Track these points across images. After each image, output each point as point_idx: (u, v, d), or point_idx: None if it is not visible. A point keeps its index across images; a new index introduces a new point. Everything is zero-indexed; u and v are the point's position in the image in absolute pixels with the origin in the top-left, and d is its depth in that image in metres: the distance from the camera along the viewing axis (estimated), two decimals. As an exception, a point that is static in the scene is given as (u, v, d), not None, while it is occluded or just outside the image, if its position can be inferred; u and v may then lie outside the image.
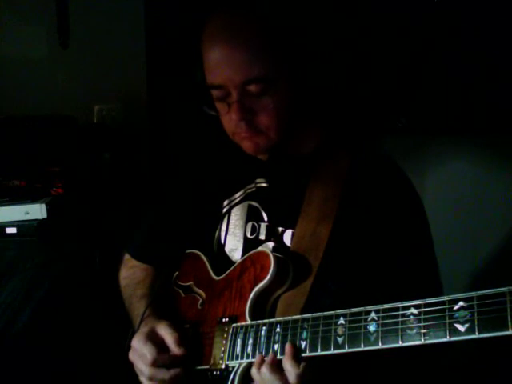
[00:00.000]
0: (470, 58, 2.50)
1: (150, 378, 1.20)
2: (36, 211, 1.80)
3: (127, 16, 2.34)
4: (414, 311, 0.91)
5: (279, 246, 1.27)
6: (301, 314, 1.09)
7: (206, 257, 1.37)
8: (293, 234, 1.26)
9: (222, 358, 1.17)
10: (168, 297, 1.41)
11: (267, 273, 1.16)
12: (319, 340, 1.01)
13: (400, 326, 0.91)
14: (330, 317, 1.01)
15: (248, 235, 1.32)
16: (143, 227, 1.52)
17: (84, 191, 2.05)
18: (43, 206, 1.80)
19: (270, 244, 1.28)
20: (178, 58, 2.40)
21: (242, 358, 1.12)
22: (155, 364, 1.19)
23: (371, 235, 1.21)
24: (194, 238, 1.41)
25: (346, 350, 0.97)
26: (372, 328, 0.95)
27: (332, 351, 0.99)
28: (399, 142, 1.35)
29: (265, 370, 1.05)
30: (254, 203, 1.34)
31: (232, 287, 1.24)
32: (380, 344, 0.93)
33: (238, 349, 1.14)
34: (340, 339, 0.98)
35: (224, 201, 1.38)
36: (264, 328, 1.11)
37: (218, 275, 1.31)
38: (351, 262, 1.21)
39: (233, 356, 1.14)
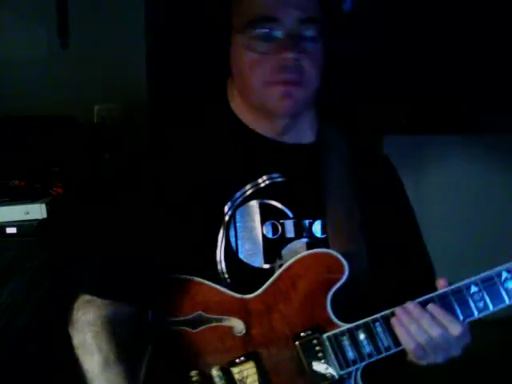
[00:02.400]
0: (470, 58, 2.50)
1: None
2: (36, 211, 1.80)
3: (127, 16, 2.34)
4: None
5: (311, 239, 1.23)
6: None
7: (201, 278, 1.18)
8: (323, 224, 1.23)
9: (329, 372, 1.11)
10: (167, 340, 1.18)
11: (342, 272, 1.13)
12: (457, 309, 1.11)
13: None
14: (459, 290, 1.11)
15: (269, 236, 1.21)
16: (111, 256, 1.21)
17: (84, 191, 2.05)
18: (43, 206, 1.80)
19: (304, 240, 1.22)
20: (178, 58, 2.41)
21: (361, 361, 1.12)
22: None
23: (384, 208, 1.28)
24: (191, 252, 1.20)
25: (492, 309, 1.11)
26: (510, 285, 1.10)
27: (476, 316, 1.11)
28: (399, 141, 1.36)
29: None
30: (267, 201, 1.23)
31: (289, 300, 1.14)
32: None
33: (351, 354, 1.11)
34: (481, 304, 1.11)
35: (226, 203, 1.21)
36: (378, 324, 1.11)
37: (230, 287, 1.16)
38: (381, 239, 1.25)
39: (347, 363, 1.12)
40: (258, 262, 1.20)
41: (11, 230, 1.78)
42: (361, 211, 1.24)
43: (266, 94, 1.17)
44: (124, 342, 1.15)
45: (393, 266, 1.25)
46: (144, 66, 2.36)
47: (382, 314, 1.12)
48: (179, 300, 1.17)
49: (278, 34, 1.14)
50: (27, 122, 2.05)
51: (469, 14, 2.46)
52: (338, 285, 1.13)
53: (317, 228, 1.23)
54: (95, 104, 2.36)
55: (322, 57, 1.19)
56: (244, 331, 1.14)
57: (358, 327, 1.11)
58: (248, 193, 1.23)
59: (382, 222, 1.27)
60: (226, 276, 1.20)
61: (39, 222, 1.79)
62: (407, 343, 1.09)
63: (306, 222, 1.23)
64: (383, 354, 1.11)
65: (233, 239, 1.20)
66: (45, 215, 1.80)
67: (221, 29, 1.22)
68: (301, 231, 1.23)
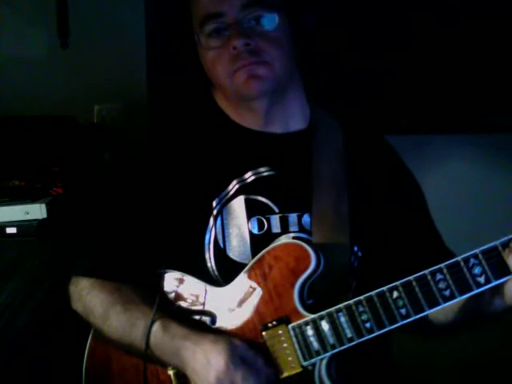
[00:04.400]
0: (470, 58, 2.50)
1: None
2: (36, 211, 1.80)
3: (127, 16, 2.34)
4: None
5: (301, 233, 1.22)
6: (349, 289, 1.16)
7: (187, 273, 1.22)
8: (311, 217, 1.21)
9: (294, 362, 1.11)
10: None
11: (308, 263, 1.12)
12: (422, 300, 1.04)
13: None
14: (423, 277, 1.04)
15: (255, 232, 1.21)
16: (116, 244, 1.27)
17: (84, 191, 2.05)
18: (43, 206, 1.80)
19: (290, 235, 1.22)
20: (178, 58, 2.41)
21: (324, 352, 1.09)
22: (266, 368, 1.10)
23: (380, 199, 1.26)
24: (181, 248, 1.23)
25: (458, 297, 1.03)
26: (477, 271, 1.02)
27: (442, 304, 1.04)
28: (399, 141, 1.35)
29: None
30: (252, 196, 1.23)
31: (260, 290, 1.15)
32: (493, 280, 1.02)
33: (315, 344, 1.09)
34: (447, 292, 1.03)
35: (213, 201, 1.23)
36: (341, 314, 1.08)
37: (220, 284, 1.20)
38: (373, 231, 1.23)
39: (310, 354, 1.10)
40: (246, 258, 1.21)
41: (11, 230, 1.78)
42: (352, 202, 1.22)
43: (233, 82, 1.19)
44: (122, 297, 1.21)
45: (396, 257, 1.24)
46: (144, 65, 2.36)
47: (346, 303, 1.09)
48: (164, 291, 1.22)
49: (226, 26, 1.17)
50: (27, 122, 2.05)
51: (469, 14, 2.46)
52: (305, 275, 1.12)
53: (306, 221, 1.22)
54: (95, 104, 2.36)
55: (281, 33, 1.18)
56: (216, 323, 1.18)
57: (321, 317, 1.10)
58: (235, 188, 1.24)
59: (383, 213, 1.25)
60: (217, 273, 1.22)
61: (39, 222, 1.79)
62: None
63: (294, 215, 1.22)
64: (345, 346, 1.08)
65: (220, 236, 1.22)
66: (45, 215, 1.80)
67: (187, 32, 1.26)
68: (287, 225, 1.22)
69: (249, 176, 1.24)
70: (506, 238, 1.05)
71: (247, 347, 1.10)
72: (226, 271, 1.21)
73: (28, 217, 1.80)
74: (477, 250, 1.03)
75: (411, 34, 2.47)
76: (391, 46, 2.47)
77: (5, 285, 1.50)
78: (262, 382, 1.08)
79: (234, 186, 1.24)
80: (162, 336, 1.14)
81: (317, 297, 1.16)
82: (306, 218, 1.22)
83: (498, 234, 2.86)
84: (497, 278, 1.02)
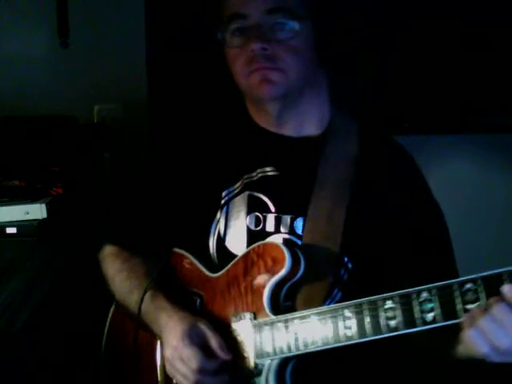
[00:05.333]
0: (470, 59, 2.50)
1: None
2: (36, 211, 1.80)
3: (127, 16, 2.34)
4: (471, 286, 0.92)
5: (291, 235, 1.23)
6: (325, 299, 1.13)
7: (191, 255, 1.30)
8: (304, 222, 1.22)
9: (248, 358, 1.13)
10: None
11: (282, 265, 1.13)
12: (368, 326, 1.00)
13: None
14: (374, 302, 1.00)
15: (252, 227, 1.26)
16: (134, 217, 1.39)
17: (84, 191, 2.05)
18: (43, 206, 1.81)
19: (280, 236, 1.24)
20: (178, 58, 2.41)
21: (274, 354, 1.10)
22: (202, 371, 1.11)
23: (384, 215, 1.22)
24: (189, 230, 1.32)
25: (401, 331, 0.97)
26: (428, 307, 0.95)
27: (384, 335, 0.99)
28: (399, 141, 1.34)
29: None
30: (255, 193, 1.27)
31: (239, 283, 1.19)
32: (439, 321, 0.94)
33: (268, 346, 1.11)
34: (393, 322, 0.98)
35: (223, 191, 1.30)
36: (295, 321, 1.08)
37: (218, 271, 1.25)
38: (367, 245, 1.21)
39: (262, 353, 1.11)
40: (240, 251, 1.24)
41: (11, 230, 1.78)
42: (350, 213, 1.21)
43: (248, 82, 1.23)
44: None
45: (389, 276, 1.20)
46: (144, 66, 2.36)
47: (302, 312, 1.09)
48: (166, 267, 1.31)
49: (248, 27, 1.19)
50: (27, 122, 2.05)
51: (469, 15, 2.46)
52: (277, 277, 1.13)
53: (298, 225, 1.23)
54: (95, 104, 2.36)
55: (301, 41, 1.20)
56: (199, 306, 1.24)
57: (279, 321, 1.11)
58: (243, 184, 1.29)
59: (384, 229, 1.22)
60: (216, 261, 1.28)
61: (39, 222, 1.79)
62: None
63: (287, 217, 1.24)
64: (294, 353, 1.08)
65: (222, 227, 1.28)
66: (45, 215, 1.80)
67: (214, 30, 1.26)
68: (280, 226, 1.24)
69: (256, 174, 1.29)
70: (463, 279, 0.94)
71: (209, 330, 1.15)
72: (223, 260, 1.25)
73: (28, 217, 1.80)
74: (432, 285, 0.95)
75: (411, 34, 2.47)
76: (391, 47, 2.47)
77: (5, 285, 1.50)
78: (210, 366, 1.12)
79: (242, 181, 1.29)
80: (148, 305, 1.23)
81: (294, 300, 1.16)
82: (298, 222, 1.23)
83: (497, 234, 2.86)
84: (446, 319, 0.94)
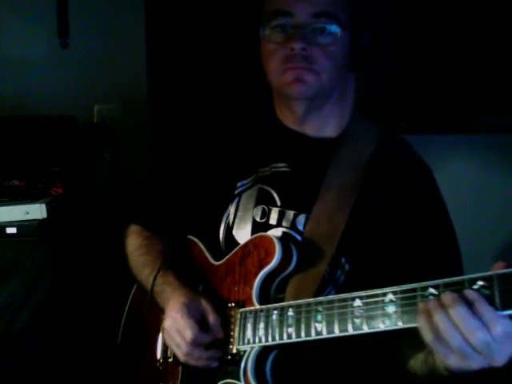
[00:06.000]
0: (469, 59, 2.50)
1: (187, 355, 1.18)
2: (36, 211, 1.80)
3: (127, 16, 2.34)
4: (433, 291, 0.91)
5: (291, 230, 1.26)
6: (314, 296, 1.13)
7: (201, 241, 1.36)
8: (306, 219, 1.25)
9: (232, 343, 1.17)
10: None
11: (272, 257, 1.17)
12: (336, 322, 1.02)
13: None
14: (345, 299, 1.02)
15: (257, 219, 1.30)
16: (156, 198, 1.48)
17: (84, 191, 2.05)
18: (43, 206, 1.81)
19: (281, 229, 1.27)
20: (178, 58, 2.41)
21: (253, 342, 1.13)
22: (195, 343, 1.16)
23: (389, 224, 1.22)
24: (203, 218, 1.38)
25: (364, 331, 0.98)
26: (390, 309, 0.95)
27: (349, 333, 1.00)
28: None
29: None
30: (265, 187, 1.32)
31: (235, 272, 1.24)
32: (402, 324, 0.93)
33: (249, 333, 1.14)
34: (358, 320, 0.99)
35: (237, 182, 1.35)
36: (275, 312, 1.11)
37: (222, 258, 1.29)
38: (367, 250, 1.22)
39: (243, 341, 1.15)
40: (243, 240, 1.28)
41: (11, 230, 1.78)
42: (353, 215, 1.22)
43: (281, 79, 1.26)
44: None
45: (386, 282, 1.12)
46: (144, 66, 2.36)
47: (283, 304, 1.12)
48: (181, 252, 1.38)
49: (291, 26, 1.23)
50: (27, 122, 2.05)
51: (468, 15, 2.46)
52: (267, 269, 1.17)
53: (300, 221, 1.26)
54: (95, 104, 2.36)
55: (339, 48, 1.24)
56: (201, 291, 1.28)
57: (261, 310, 1.14)
58: (257, 177, 1.34)
59: (386, 235, 1.22)
60: (224, 248, 1.33)
61: (39, 222, 1.79)
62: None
63: (291, 212, 1.28)
64: (269, 343, 1.11)
65: (232, 216, 1.34)
66: (45, 215, 1.80)
67: (253, 23, 1.30)
68: (282, 220, 1.28)
69: (270, 168, 1.33)
70: (426, 284, 0.92)
71: (208, 306, 1.20)
72: (229, 249, 1.29)
73: (28, 217, 1.80)
74: (398, 288, 0.95)
75: (410, 34, 2.47)
76: (390, 46, 2.47)
77: (5, 285, 1.50)
78: (203, 339, 1.16)
79: (257, 175, 1.34)
80: (157, 279, 1.30)
81: (285, 293, 1.20)
82: (300, 218, 1.26)
83: (496, 234, 2.86)
84: (406, 323, 0.93)
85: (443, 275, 0.92)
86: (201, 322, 1.18)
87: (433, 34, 2.47)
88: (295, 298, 1.14)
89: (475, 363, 0.89)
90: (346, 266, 1.21)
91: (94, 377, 1.54)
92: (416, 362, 1.06)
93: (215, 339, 1.18)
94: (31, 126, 2.04)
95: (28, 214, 1.80)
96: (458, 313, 0.86)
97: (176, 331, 1.18)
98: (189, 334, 1.16)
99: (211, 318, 1.19)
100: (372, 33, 1.29)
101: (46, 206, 1.81)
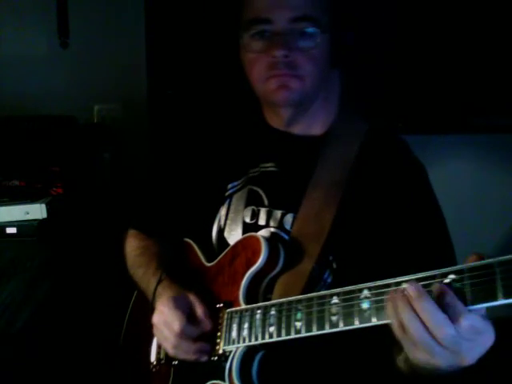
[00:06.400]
0: (469, 59, 2.50)
1: (174, 347, 1.18)
2: (36, 211, 1.80)
3: (127, 16, 2.34)
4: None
5: (279, 230, 1.25)
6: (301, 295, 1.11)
7: (196, 243, 1.37)
8: (294, 218, 1.25)
9: (218, 344, 1.16)
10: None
11: (258, 257, 1.17)
12: (314, 320, 1.00)
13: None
14: (324, 296, 1.00)
15: (247, 220, 1.30)
16: (151, 202, 1.50)
17: (84, 191, 2.05)
18: (43, 206, 1.81)
19: (269, 229, 1.26)
20: (178, 58, 2.41)
21: (238, 343, 1.13)
22: (182, 334, 1.16)
23: (377, 221, 1.21)
24: (196, 220, 1.39)
25: (340, 328, 0.96)
26: (365, 305, 0.93)
27: (327, 330, 0.98)
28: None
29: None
30: (255, 188, 1.31)
31: (224, 273, 1.24)
32: (376, 320, 0.91)
33: (234, 333, 1.14)
34: (334, 318, 0.97)
35: (228, 184, 1.35)
36: (259, 311, 1.11)
37: (214, 260, 1.30)
38: (354, 247, 1.21)
39: (229, 341, 1.14)
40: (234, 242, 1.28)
41: (11, 230, 1.78)
42: (340, 213, 1.20)
43: (265, 87, 1.25)
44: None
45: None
46: (144, 65, 2.37)
47: (267, 303, 1.11)
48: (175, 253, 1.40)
49: (270, 33, 1.20)
50: (27, 122, 2.05)
51: (468, 14, 2.46)
52: (253, 269, 1.17)
53: (288, 221, 1.26)
54: (95, 104, 2.36)
55: (321, 50, 1.22)
56: (193, 291, 1.26)
57: (247, 310, 1.14)
58: (247, 178, 1.34)
59: (375, 231, 1.20)
60: (216, 250, 1.33)
61: (39, 222, 1.79)
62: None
63: (278, 212, 1.27)
64: (252, 342, 1.10)
65: (223, 218, 1.34)
66: (45, 215, 1.80)
67: (233, 31, 1.28)
68: (269, 220, 1.27)
69: (259, 169, 1.33)
70: (401, 278, 0.90)
71: (196, 299, 1.20)
72: (221, 250, 1.29)
73: (28, 217, 1.80)
74: (372, 284, 0.93)
75: (409, 34, 2.47)
76: (389, 46, 2.48)
77: (5, 285, 1.50)
78: (191, 331, 1.17)
79: (247, 176, 1.34)
80: (151, 278, 1.32)
81: (273, 294, 1.19)
82: (288, 218, 1.26)
83: (496, 234, 2.86)
84: (379, 319, 0.91)
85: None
86: (189, 315, 1.18)
87: (433, 34, 2.47)
88: (282, 298, 1.12)
89: (442, 360, 0.87)
90: (334, 265, 1.20)
91: (94, 377, 1.54)
92: (400, 361, 1.04)
93: (204, 332, 1.18)
94: (31, 125, 2.04)
95: (28, 214, 1.80)
96: (422, 305, 0.84)
97: (164, 324, 1.19)
98: (176, 325, 1.16)
99: (199, 310, 1.19)
100: (353, 31, 1.27)
101: (46, 206, 1.81)
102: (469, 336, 0.84)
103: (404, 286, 0.88)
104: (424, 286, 0.86)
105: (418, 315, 0.85)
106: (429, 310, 0.83)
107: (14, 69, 2.31)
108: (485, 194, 2.67)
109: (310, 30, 1.20)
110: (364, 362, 1.20)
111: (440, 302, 0.83)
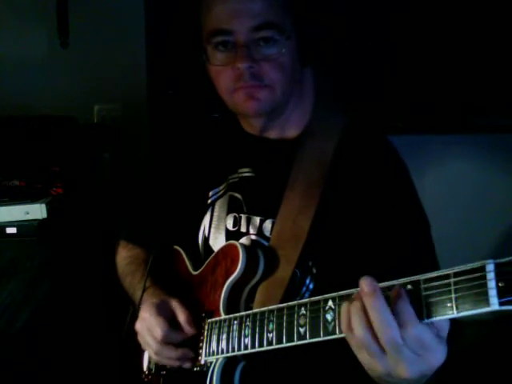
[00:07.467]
0: (469, 59, 2.50)
1: (157, 354, 1.17)
2: (36, 211, 1.80)
3: (127, 16, 2.34)
4: None
5: (259, 237, 1.23)
6: (281, 303, 1.08)
7: (184, 251, 1.35)
8: (273, 224, 1.22)
9: (200, 355, 1.15)
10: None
11: (237, 266, 1.15)
12: (284, 331, 0.98)
13: None
14: (293, 307, 0.97)
15: (229, 228, 1.28)
16: (139, 212, 1.49)
17: (84, 191, 2.05)
18: (43, 206, 1.81)
19: (250, 237, 1.24)
20: (178, 58, 2.41)
21: (217, 354, 1.11)
22: (164, 341, 1.15)
23: (355, 222, 1.16)
24: (182, 228, 1.37)
25: (308, 340, 0.93)
26: (329, 317, 0.90)
27: (296, 342, 0.96)
28: (398, 142, 1.32)
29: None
30: (236, 194, 1.29)
31: (207, 282, 1.22)
32: (338, 333, 0.88)
33: (214, 344, 1.12)
34: (302, 329, 0.94)
35: (210, 191, 1.33)
36: (235, 322, 1.09)
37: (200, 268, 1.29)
38: (333, 251, 1.17)
39: (209, 352, 1.13)
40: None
41: (11, 230, 1.78)
42: (318, 216, 1.17)
43: (233, 99, 1.21)
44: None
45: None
46: (144, 65, 2.37)
47: (243, 313, 1.10)
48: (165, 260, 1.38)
49: (233, 44, 1.16)
50: (27, 122, 2.05)
51: (468, 14, 2.46)
52: (231, 278, 1.15)
53: (267, 227, 1.23)
54: (95, 104, 2.36)
55: (287, 55, 1.17)
56: (177, 298, 1.25)
57: (225, 321, 1.12)
58: (228, 184, 1.32)
59: (354, 233, 1.16)
60: (203, 257, 1.31)
61: (39, 222, 1.79)
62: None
63: (257, 218, 1.25)
64: (230, 353, 1.09)
65: (207, 226, 1.32)
66: (45, 215, 1.80)
67: (196, 44, 1.26)
68: (249, 227, 1.25)
69: (238, 175, 1.31)
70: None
71: (179, 305, 1.19)
72: (205, 258, 1.28)
73: (28, 217, 1.80)
74: (336, 294, 0.90)
75: (409, 34, 2.47)
76: (388, 47, 2.48)
77: (5, 285, 1.50)
78: (173, 337, 1.16)
79: (227, 183, 1.31)
80: (136, 285, 1.33)
81: (254, 302, 1.17)
82: (267, 224, 1.23)
83: (496, 234, 2.86)
84: (341, 332, 0.87)
85: (414, 274, 0.84)
86: (172, 322, 1.17)
87: (433, 34, 2.47)
88: (262, 306, 1.09)
89: (380, 363, 0.83)
90: (314, 270, 1.17)
91: (94, 377, 1.54)
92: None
93: (186, 339, 1.17)
94: (31, 125, 2.04)
95: (28, 214, 1.80)
96: (373, 301, 0.81)
97: (146, 330, 1.18)
98: (158, 331, 1.15)
99: (181, 316, 1.17)
100: (320, 26, 1.22)
101: (46, 206, 1.81)
102: (414, 347, 0.80)
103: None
104: (383, 290, 0.82)
105: (366, 312, 0.82)
106: (377, 308, 0.80)
107: (14, 69, 2.31)
108: (485, 193, 2.67)
109: (273, 36, 1.14)
110: (344, 371, 1.15)
111: (393, 304, 0.81)
